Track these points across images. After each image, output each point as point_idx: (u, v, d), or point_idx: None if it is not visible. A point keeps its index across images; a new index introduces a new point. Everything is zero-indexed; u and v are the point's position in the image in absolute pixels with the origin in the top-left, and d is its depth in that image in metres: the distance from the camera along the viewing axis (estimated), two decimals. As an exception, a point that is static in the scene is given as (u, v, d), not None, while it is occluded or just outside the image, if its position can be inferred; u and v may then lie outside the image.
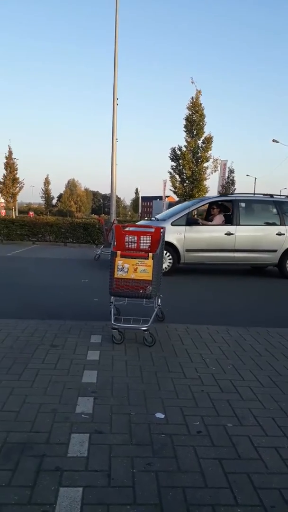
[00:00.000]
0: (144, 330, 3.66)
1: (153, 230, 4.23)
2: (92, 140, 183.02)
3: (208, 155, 23.61)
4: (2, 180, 41.81)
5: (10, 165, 41.68)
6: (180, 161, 23.85)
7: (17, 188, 42.65)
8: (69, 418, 2.36)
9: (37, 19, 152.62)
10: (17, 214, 43.70)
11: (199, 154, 23.55)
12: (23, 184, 43.28)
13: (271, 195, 9.21)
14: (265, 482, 1.86)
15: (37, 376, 2.91)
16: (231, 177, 30.86)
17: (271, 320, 4.85)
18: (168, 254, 8.02)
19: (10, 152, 41.79)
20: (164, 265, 7.93)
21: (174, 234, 7.97)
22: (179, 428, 2.29)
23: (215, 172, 24.60)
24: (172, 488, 1.80)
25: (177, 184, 24.14)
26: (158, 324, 4.25)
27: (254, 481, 1.87)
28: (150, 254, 3.64)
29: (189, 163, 23.45)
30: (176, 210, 9.02)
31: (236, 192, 20.43)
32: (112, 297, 3.93)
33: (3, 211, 42.69)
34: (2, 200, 46.45)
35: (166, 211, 9.86)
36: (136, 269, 3.66)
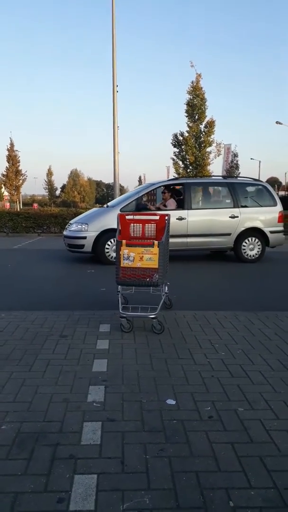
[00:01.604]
0: (152, 318, 3.67)
1: (157, 218, 4.20)
2: (93, 129, 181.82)
3: (211, 139, 23.41)
4: (5, 173, 41.80)
5: (12, 158, 41.61)
6: (183, 147, 23.65)
7: (20, 181, 42.67)
8: (81, 407, 2.38)
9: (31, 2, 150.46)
10: (21, 207, 43.78)
11: (202, 139, 23.34)
12: (26, 176, 43.32)
13: (224, 177, 9.08)
14: (278, 465, 1.88)
15: (48, 367, 2.93)
16: (235, 161, 30.58)
17: (279, 303, 4.83)
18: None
19: (12, 144, 41.69)
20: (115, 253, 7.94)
21: None
22: (191, 413, 2.31)
23: (218, 156, 24.43)
24: (185, 472, 1.81)
25: (180, 170, 23.96)
26: (166, 312, 4.26)
27: (267, 464, 1.88)
28: (156, 242, 3.63)
29: (191, 149, 23.25)
30: (126, 197, 8.77)
31: (240, 175, 20.31)
32: (119, 286, 3.94)
33: (7, 204, 42.73)
34: (6, 193, 46.50)
35: (118, 198, 9.62)
36: (142, 258, 3.65)
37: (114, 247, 7.74)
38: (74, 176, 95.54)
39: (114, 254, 7.81)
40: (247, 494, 1.69)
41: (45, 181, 76.09)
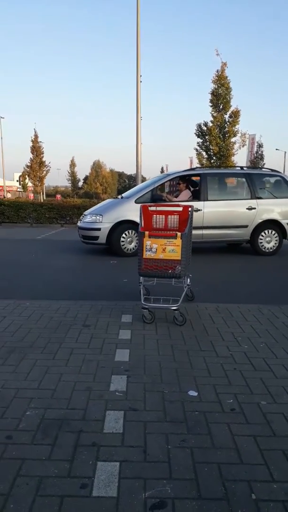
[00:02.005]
0: (174, 309, 3.67)
1: (181, 209, 4.17)
2: (116, 120, 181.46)
3: (236, 129, 23.00)
4: (29, 164, 42.26)
5: (36, 149, 41.97)
6: (207, 137, 23.34)
7: (44, 172, 43.03)
8: (104, 395, 2.41)
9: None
10: (44, 198, 44.26)
11: (226, 129, 22.97)
12: (50, 168, 43.61)
13: (241, 167, 8.84)
14: (301, 459, 1.86)
15: (71, 355, 2.98)
16: (259, 152, 30.00)
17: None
18: (135, 233, 7.83)
19: (36, 136, 42.03)
20: (131, 245, 7.84)
21: (138, 213, 7.74)
22: (213, 405, 2.31)
23: (243, 147, 23.99)
24: (207, 464, 1.82)
25: (204, 161, 23.68)
26: (188, 304, 4.25)
27: (290, 458, 1.86)
28: (179, 234, 3.61)
29: (216, 139, 22.92)
30: (141, 187, 8.61)
31: (265, 167, 19.89)
32: (141, 278, 3.95)
33: (31, 195, 43.30)
34: (30, 184, 47.08)
35: (132, 189, 9.41)
36: (164, 249, 3.64)
37: (129, 238, 7.77)
38: (97, 167, 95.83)
39: (129, 246, 7.80)
40: (269, 488, 1.68)
41: (68, 172, 76.77)
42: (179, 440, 1.99)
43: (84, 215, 8.49)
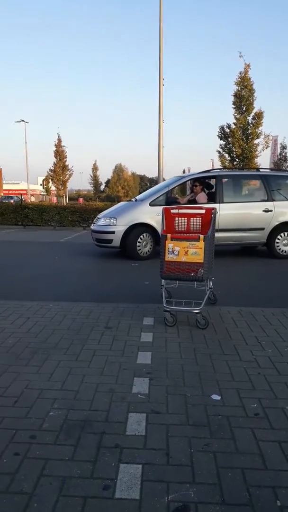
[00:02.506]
0: (196, 312, 3.64)
1: (203, 211, 4.15)
2: (138, 123, 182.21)
3: (259, 131, 22.72)
4: (52, 168, 42.92)
5: (59, 153, 42.63)
6: (229, 139, 23.13)
7: (67, 175, 43.64)
8: (126, 397, 2.41)
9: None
10: (67, 201, 44.83)
11: (249, 131, 22.71)
12: (73, 171, 44.21)
13: (258, 169, 8.61)
14: None
15: (94, 357, 3.00)
16: (283, 154, 29.53)
17: None
18: (150, 236, 7.76)
19: (59, 140, 42.69)
20: (146, 249, 7.76)
21: (153, 215, 7.56)
22: (236, 410, 2.28)
23: (266, 148, 23.63)
24: (230, 469, 1.79)
25: (226, 163, 23.49)
26: (210, 307, 4.21)
27: None
28: (201, 236, 3.59)
29: (238, 141, 22.70)
30: (155, 190, 8.52)
31: (288, 169, 19.55)
32: (163, 280, 3.94)
33: (55, 198, 43.93)
34: (53, 188, 47.78)
35: (146, 191, 9.29)
36: (187, 252, 3.63)
37: (144, 242, 7.70)
38: (119, 170, 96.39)
39: (145, 250, 7.73)
40: (295, 495, 1.64)
41: (91, 176, 77.39)
42: (202, 444, 1.97)
43: (98, 218, 8.44)
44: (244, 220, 7.80)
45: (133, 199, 8.85)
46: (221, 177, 8.04)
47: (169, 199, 7.79)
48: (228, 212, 7.71)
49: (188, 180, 8.43)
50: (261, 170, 8.69)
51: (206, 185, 8.37)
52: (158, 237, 7.55)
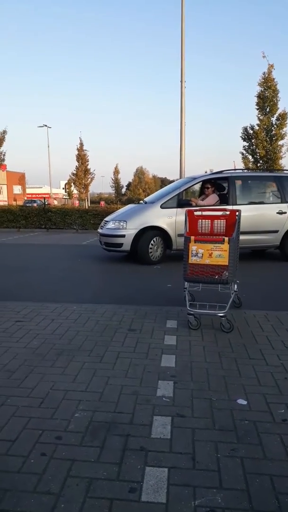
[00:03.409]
0: (221, 316, 3.60)
1: (228, 213, 4.11)
2: (160, 126, 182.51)
3: (283, 132, 22.38)
4: (75, 172, 43.45)
5: (81, 157, 43.13)
6: (253, 141, 22.88)
7: (89, 179, 44.11)
8: (151, 400, 2.40)
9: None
10: (89, 204, 45.23)
11: (273, 132, 22.40)
12: (94, 175, 44.64)
13: (271, 170, 8.28)
14: None
15: (118, 359, 3.00)
16: (307, 155, 28.96)
17: None
18: (161, 240, 7.54)
19: (81, 144, 43.19)
20: (158, 253, 7.56)
21: (164, 218, 7.42)
22: (263, 415, 2.23)
23: (290, 149, 23.24)
24: (258, 475, 1.76)
25: (250, 165, 23.23)
26: (235, 311, 4.16)
27: None
28: (226, 239, 3.55)
29: (262, 142, 22.42)
30: (166, 191, 8.26)
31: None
32: (186, 283, 3.92)
33: (77, 202, 44.42)
34: (75, 191, 48.34)
35: (156, 193, 8.99)
36: (211, 254, 3.60)
37: (156, 246, 7.51)
38: (140, 173, 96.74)
39: (156, 254, 7.54)
40: None
41: (112, 179, 78.09)
42: (228, 449, 1.94)
43: (106, 221, 8.18)
44: (257, 222, 7.59)
45: (142, 201, 8.69)
46: (233, 178, 7.83)
47: (181, 201, 7.57)
48: (241, 214, 7.49)
49: (200, 182, 8.13)
50: (274, 171, 8.43)
51: (218, 187, 8.17)
52: (169, 240, 7.49)
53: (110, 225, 7.80)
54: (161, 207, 7.50)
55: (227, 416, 2.23)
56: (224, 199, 7.80)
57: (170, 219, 7.43)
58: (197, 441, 2.00)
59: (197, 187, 8.70)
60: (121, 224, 7.59)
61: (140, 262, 7.49)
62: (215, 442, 1.99)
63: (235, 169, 8.31)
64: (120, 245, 7.54)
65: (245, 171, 8.55)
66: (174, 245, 7.51)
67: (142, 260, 7.48)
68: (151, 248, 7.47)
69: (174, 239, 7.45)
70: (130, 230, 7.45)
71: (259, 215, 7.66)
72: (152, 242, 7.47)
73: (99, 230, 8.25)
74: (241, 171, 8.35)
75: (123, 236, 7.47)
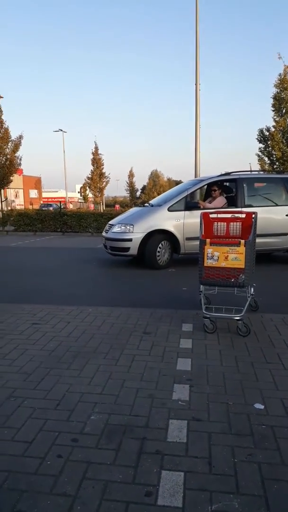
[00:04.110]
0: (237, 319, 3.57)
1: (243, 216, 4.08)
2: (173, 128, 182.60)
3: (301, 133, 22.11)
4: (90, 176, 43.75)
5: (96, 161, 43.41)
6: (269, 142, 22.66)
7: (104, 183, 44.35)
8: (166, 404, 2.39)
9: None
10: (104, 208, 45.46)
11: (290, 134, 22.15)
12: (109, 179, 44.86)
13: (278, 172, 8.03)
14: None
15: (133, 362, 3.00)
16: None
17: None
18: (168, 243, 7.34)
19: (96, 148, 43.47)
20: (165, 257, 7.37)
21: (172, 221, 7.24)
22: (281, 420, 2.20)
23: (308, 151, 22.93)
24: (277, 481, 1.73)
25: (266, 167, 23.00)
26: (251, 314, 4.12)
27: None
28: (242, 241, 3.52)
29: (278, 144, 22.18)
30: (172, 194, 8.03)
31: None
32: (202, 286, 3.90)
33: (92, 205, 44.72)
34: (91, 195, 48.67)
35: (162, 196, 8.74)
36: (227, 257, 3.57)
37: (163, 250, 7.32)
38: (154, 177, 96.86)
39: (163, 258, 7.36)
40: None
41: (127, 182, 78.29)
42: (245, 454, 1.92)
43: (111, 225, 7.96)
44: (266, 225, 7.32)
45: (147, 204, 8.53)
46: (241, 180, 7.65)
47: (189, 204, 7.39)
48: None
49: (207, 184, 7.90)
50: (283, 173, 8.23)
51: (225, 189, 7.96)
52: (176, 244, 7.33)
53: (116, 228, 7.60)
54: (169, 210, 7.34)
55: (244, 420, 2.20)
56: (231, 202, 7.64)
57: (178, 222, 7.28)
58: (213, 446, 1.99)
59: (203, 189, 8.60)
60: (128, 227, 7.40)
61: (148, 267, 7.31)
62: (231, 447, 1.97)
63: (243, 171, 8.04)
64: (127, 249, 7.36)
65: (253, 172, 8.25)
66: (182, 249, 7.36)
67: (150, 264, 7.30)
68: (158, 252, 7.29)
69: (182, 243, 7.30)
70: (137, 233, 7.27)
71: (268, 217, 7.50)
72: (160, 246, 7.31)
73: (104, 234, 8.07)
74: (249, 173, 8.08)
75: (130, 240, 7.29)
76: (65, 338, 3.53)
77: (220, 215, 4.24)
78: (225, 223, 4.19)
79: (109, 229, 7.85)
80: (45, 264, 8.44)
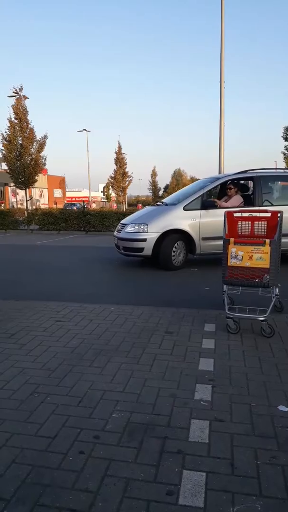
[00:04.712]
0: (261, 320, 3.51)
1: (269, 214, 4.01)
2: (197, 127, 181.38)
3: None
4: (113, 175, 43.95)
5: (119, 160, 43.55)
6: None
7: (127, 182, 44.42)
8: (188, 403, 2.38)
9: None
10: (127, 207, 45.60)
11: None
12: (132, 178, 44.90)
13: None
14: None
15: (155, 361, 3.00)
16: None
17: None
18: (183, 244, 7.11)
19: (120, 148, 43.61)
20: (180, 257, 7.13)
21: (188, 220, 6.99)
22: (305, 423, 2.16)
23: None
24: (301, 485, 1.70)
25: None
26: (276, 315, 4.05)
27: None
28: (267, 241, 3.47)
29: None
30: (187, 192, 7.74)
31: None
32: (225, 286, 3.85)
33: (115, 205, 44.93)
34: (113, 194, 48.92)
35: (175, 194, 8.48)
36: (251, 257, 3.52)
37: (179, 250, 7.11)
38: (177, 175, 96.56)
39: (179, 258, 7.13)
40: None
41: (149, 181, 78.19)
42: (269, 456, 1.89)
43: (123, 224, 7.68)
44: (284, 224, 7.16)
45: (160, 203, 8.31)
46: (259, 178, 7.33)
47: (205, 203, 7.13)
48: None
49: (224, 182, 7.61)
50: None
51: (241, 187, 7.71)
52: (192, 244, 7.10)
53: (129, 228, 7.35)
54: (184, 209, 7.09)
55: (267, 422, 2.17)
56: (248, 200, 7.42)
57: (194, 222, 7.04)
58: (236, 447, 1.96)
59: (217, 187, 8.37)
60: (142, 227, 7.15)
61: (162, 268, 7.09)
62: (254, 449, 1.94)
63: (261, 169, 7.73)
64: (141, 249, 7.11)
65: (271, 170, 7.90)
66: (198, 249, 7.14)
67: (164, 265, 7.07)
68: (174, 252, 7.06)
69: (198, 243, 7.09)
70: (152, 233, 7.03)
71: (286, 217, 7.24)
72: (175, 246, 7.08)
73: (116, 234, 7.78)
74: (266, 170, 7.73)
75: (144, 240, 7.05)
76: (88, 335, 3.56)
77: (244, 214, 4.19)
78: (250, 222, 4.13)
79: (122, 228, 7.61)
80: (68, 262, 8.54)
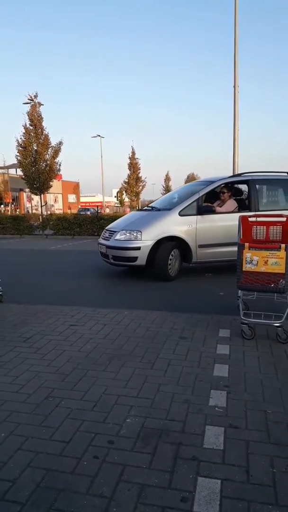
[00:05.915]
0: (277, 326, 3.47)
1: (284, 219, 3.98)
2: (211, 132, 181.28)
3: None
4: (126, 180, 44.18)
5: (133, 165, 43.77)
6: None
7: (140, 187, 44.61)
8: (203, 410, 2.36)
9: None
10: (140, 212, 45.68)
11: None
12: (145, 183, 45.07)
13: None
14: None
15: (169, 366, 2.98)
16: None
17: None
18: (178, 251, 6.67)
19: (133, 153, 43.84)
20: (175, 267, 6.65)
21: (184, 226, 6.52)
22: None
23: None
24: None
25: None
26: (291, 320, 4.00)
27: None
28: (283, 245, 3.43)
29: None
30: (181, 196, 7.31)
31: None
32: (240, 291, 3.82)
33: (128, 209, 45.06)
34: (127, 199, 49.11)
35: (164, 197, 8.08)
36: (266, 262, 3.49)
37: (175, 259, 6.64)
38: (191, 180, 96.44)
39: (175, 268, 6.64)
40: None
41: (163, 186, 78.34)
42: (285, 464, 1.86)
43: (112, 231, 7.06)
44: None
45: (148, 207, 7.93)
46: (254, 181, 6.99)
47: (202, 208, 6.67)
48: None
49: (218, 185, 7.16)
50: None
51: (235, 191, 7.44)
52: (188, 252, 6.66)
53: (120, 236, 6.74)
54: (180, 214, 6.60)
55: (283, 429, 2.14)
56: (243, 205, 7.16)
57: (190, 228, 6.57)
58: (251, 454, 1.94)
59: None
60: (135, 234, 6.57)
61: (159, 278, 6.56)
62: (270, 457, 1.92)
63: (257, 172, 7.36)
64: (134, 259, 6.53)
65: (267, 173, 7.53)
66: (194, 257, 6.66)
67: (161, 275, 6.54)
68: (170, 261, 6.54)
69: (194, 251, 6.61)
70: (146, 241, 6.47)
71: None
72: (171, 254, 6.57)
73: (103, 241, 7.12)
74: (262, 173, 7.41)
75: (138, 248, 6.47)
76: (102, 340, 3.57)
77: (259, 219, 4.16)
78: (265, 226, 4.10)
79: (110, 236, 7.00)
80: (82, 266, 8.58)
